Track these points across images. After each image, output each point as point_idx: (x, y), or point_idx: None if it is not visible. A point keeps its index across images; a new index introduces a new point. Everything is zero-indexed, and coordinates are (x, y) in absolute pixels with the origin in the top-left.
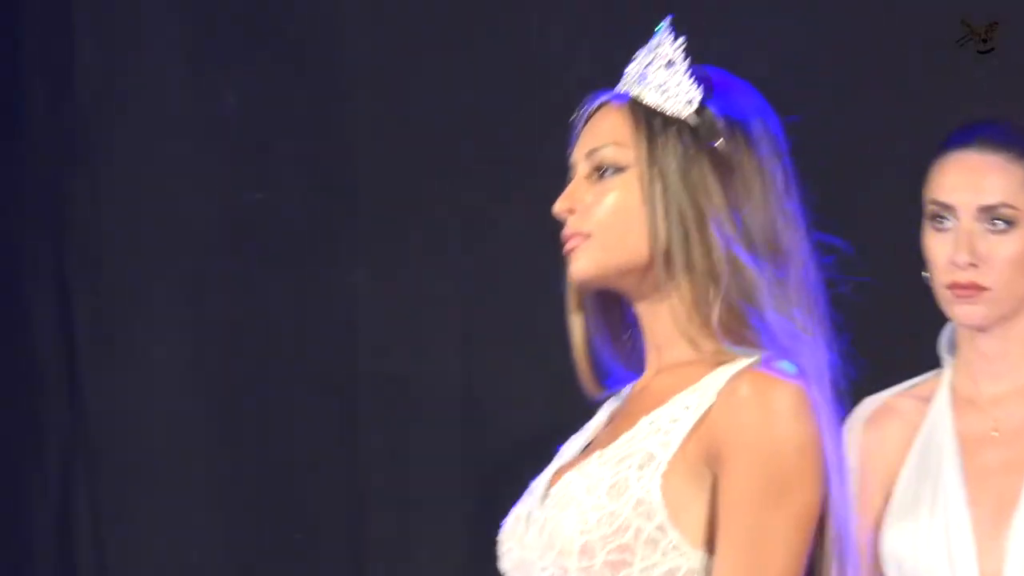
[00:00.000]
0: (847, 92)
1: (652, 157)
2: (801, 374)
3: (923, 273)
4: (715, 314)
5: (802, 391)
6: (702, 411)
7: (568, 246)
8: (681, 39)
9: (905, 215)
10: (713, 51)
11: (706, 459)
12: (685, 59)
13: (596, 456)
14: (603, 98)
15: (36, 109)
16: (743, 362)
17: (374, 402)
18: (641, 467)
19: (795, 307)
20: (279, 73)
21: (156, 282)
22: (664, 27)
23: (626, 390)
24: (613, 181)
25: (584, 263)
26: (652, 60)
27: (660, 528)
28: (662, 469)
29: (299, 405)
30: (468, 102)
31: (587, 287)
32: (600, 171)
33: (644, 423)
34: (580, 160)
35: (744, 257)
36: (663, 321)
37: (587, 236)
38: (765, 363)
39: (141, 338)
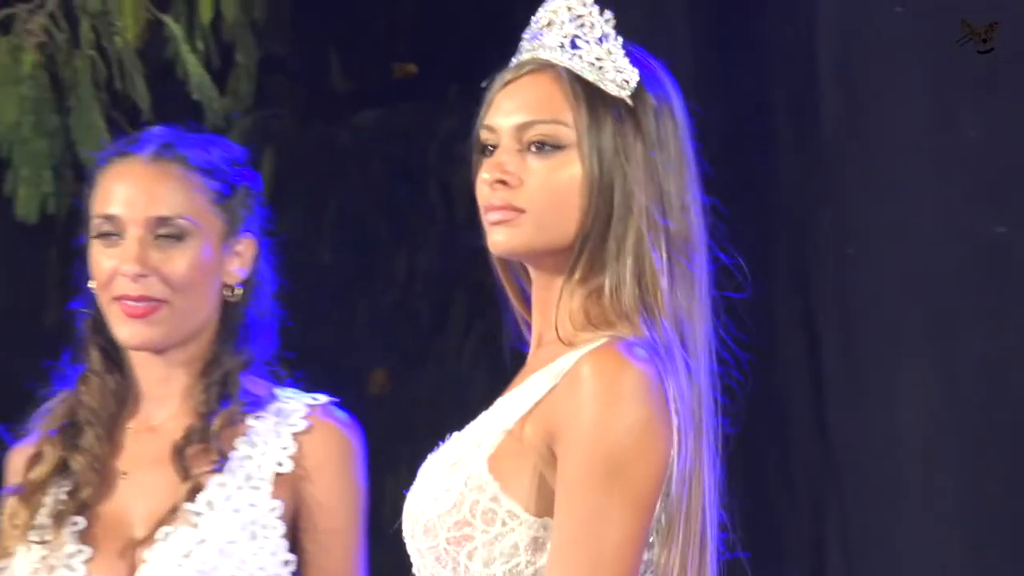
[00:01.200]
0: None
1: (593, 140)
2: (652, 358)
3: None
4: (608, 303)
5: (646, 374)
6: (544, 391)
7: (496, 217)
8: (609, 13)
9: None
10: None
11: (545, 438)
12: (617, 35)
13: (454, 436)
14: (528, 64)
15: (783, 149)
16: (596, 343)
17: None
18: (479, 444)
19: (685, 308)
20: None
21: (903, 319)
22: None
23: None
24: (551, 159)
25: (513, 238)
26: (581, 31)
27: (494, 499)
28: (493, 441)
29: None
30: None
31: (507, 258)
32: (536, 145)
33: (500, 402)
34: (505, 127)
35: (657, 259)
36: (555, 297)
37: (520, 211)
38: (617, 344)
39: (889, 375)
